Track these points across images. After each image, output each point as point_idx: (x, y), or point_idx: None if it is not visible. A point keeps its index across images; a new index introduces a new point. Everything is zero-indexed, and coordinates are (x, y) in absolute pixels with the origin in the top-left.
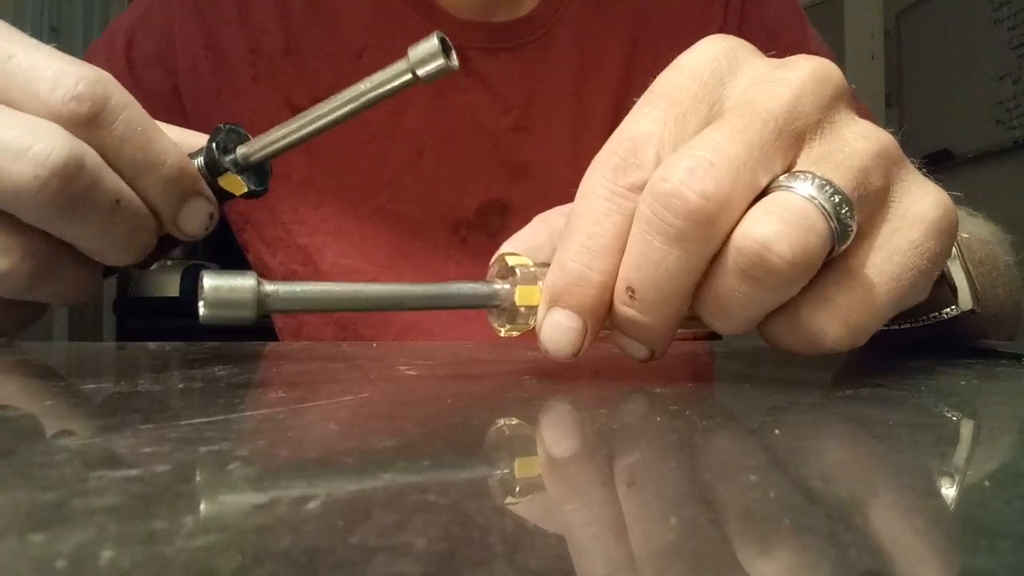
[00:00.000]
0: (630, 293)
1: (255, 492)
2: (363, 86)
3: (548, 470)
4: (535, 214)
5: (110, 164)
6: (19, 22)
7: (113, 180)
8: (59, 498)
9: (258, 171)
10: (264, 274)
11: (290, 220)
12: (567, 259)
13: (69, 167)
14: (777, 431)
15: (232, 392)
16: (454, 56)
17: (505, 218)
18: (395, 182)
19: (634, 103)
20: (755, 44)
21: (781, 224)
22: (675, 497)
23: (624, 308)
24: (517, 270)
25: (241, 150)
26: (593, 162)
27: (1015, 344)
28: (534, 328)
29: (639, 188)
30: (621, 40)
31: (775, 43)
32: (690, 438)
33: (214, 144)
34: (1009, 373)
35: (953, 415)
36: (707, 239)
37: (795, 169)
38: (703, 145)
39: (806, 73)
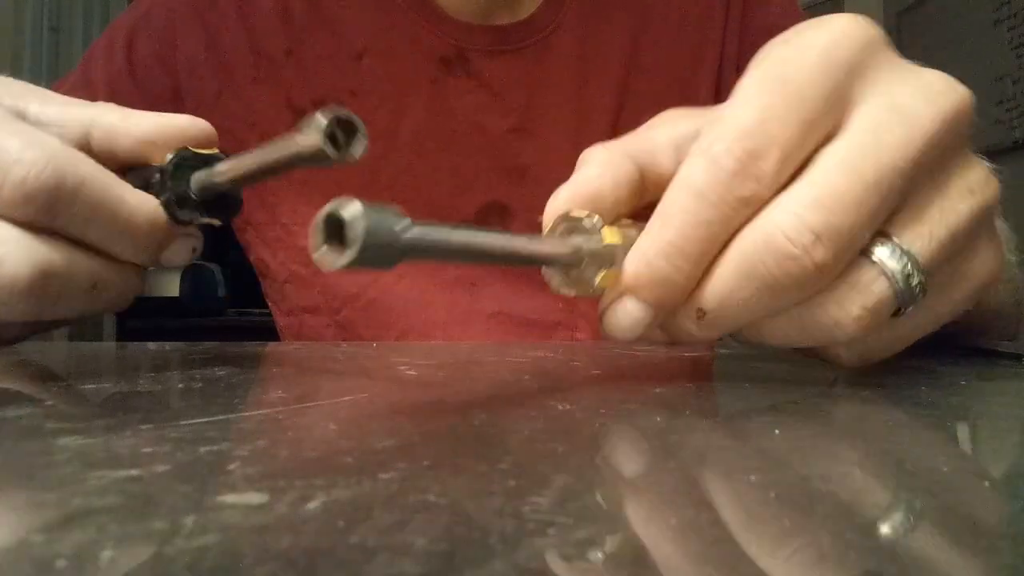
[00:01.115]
0: (700, 315)
1: (255, 492)
2: (263, 154)
3: (548, 470)
4: (535, 217)
5: (78, 240)
6: (19, 22)
7: (85, 268)
8: (59, 498)
9: (223, 200)
10: (265, 274)
11: (290, 221)
12: (655, 254)
13: (34, 283)
14: (777, 431)
15: (232, 392)
16: (359, 142)
17: (505, 221)
18: (395, 184)
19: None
20: (756, 46)
21: (860, 311)
22: (674, 497)
23: (687, 322)
24: (597, 234)
25: (199, 176)
26: (703, 149)
27: (1015, 344)
28: (592, 294)
29: (751, 204)
30: (621, 43)
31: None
32: (690, 438)
33: (169, 180)
34: (1009, 373)
35: (953, 415)
36: (801, 295)
37: (885, 232)
38: (831, 199)
39: (946, 109)
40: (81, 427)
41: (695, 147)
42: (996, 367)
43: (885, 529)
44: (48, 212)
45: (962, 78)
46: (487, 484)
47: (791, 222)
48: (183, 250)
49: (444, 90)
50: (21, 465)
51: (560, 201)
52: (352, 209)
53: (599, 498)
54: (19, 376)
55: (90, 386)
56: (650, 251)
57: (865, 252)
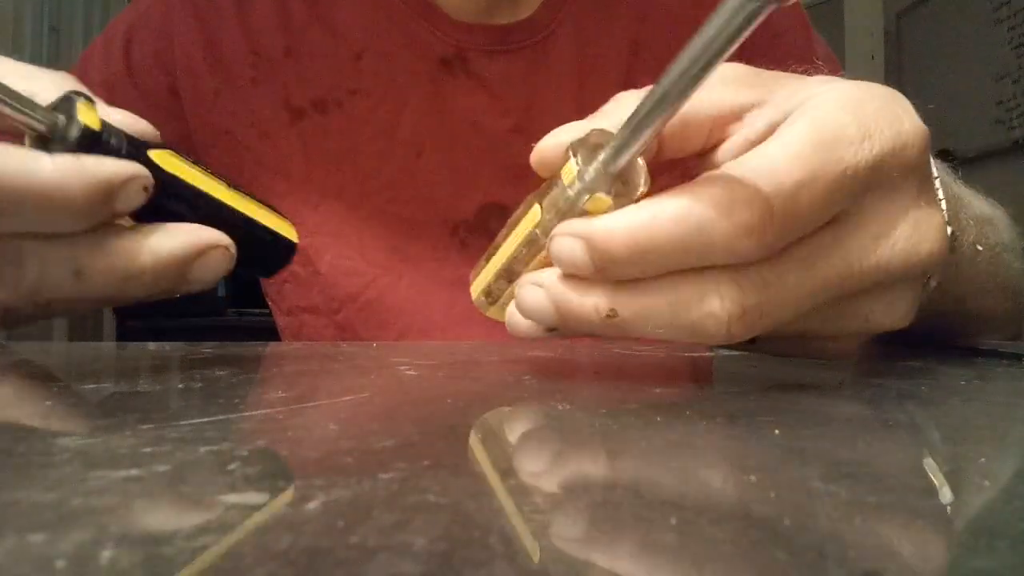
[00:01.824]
0: (612, 314)
1: (255, 492)
2: None
3: (548, 470)
4: None
5: (24, 231)
6: (19, 22)
7: (56, 254)
8: (59, 498)
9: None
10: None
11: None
12: (622, 233)
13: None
14: (777, 431)
15: (232, 392)
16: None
17: (504, 220)
18: (394, 184)
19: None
20: (758, 47)
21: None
22: (675, 497)
23: (592, 313)
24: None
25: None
26: (728, 187)
27: (1015, 344)
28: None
29: (732, 258)
30: (621, 43)
31: (778, 47)
32: (690, 438)
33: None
34: (1009, 373)
35: (953, 415)
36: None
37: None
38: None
39: (924, 254)
40: (81, 427)
41: (730, 170)
42: (996, 367)
43: (885, 529)
44: None
45: (962, 78)
46: (487, 484)
47: (728, 294)
48: (133, 193)
49: (443, 90)
50: (21, 465)
51: (573, 130)
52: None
53: (599, 498)
54: (19, 376)
55: (90, 386)
56: (620, 230)
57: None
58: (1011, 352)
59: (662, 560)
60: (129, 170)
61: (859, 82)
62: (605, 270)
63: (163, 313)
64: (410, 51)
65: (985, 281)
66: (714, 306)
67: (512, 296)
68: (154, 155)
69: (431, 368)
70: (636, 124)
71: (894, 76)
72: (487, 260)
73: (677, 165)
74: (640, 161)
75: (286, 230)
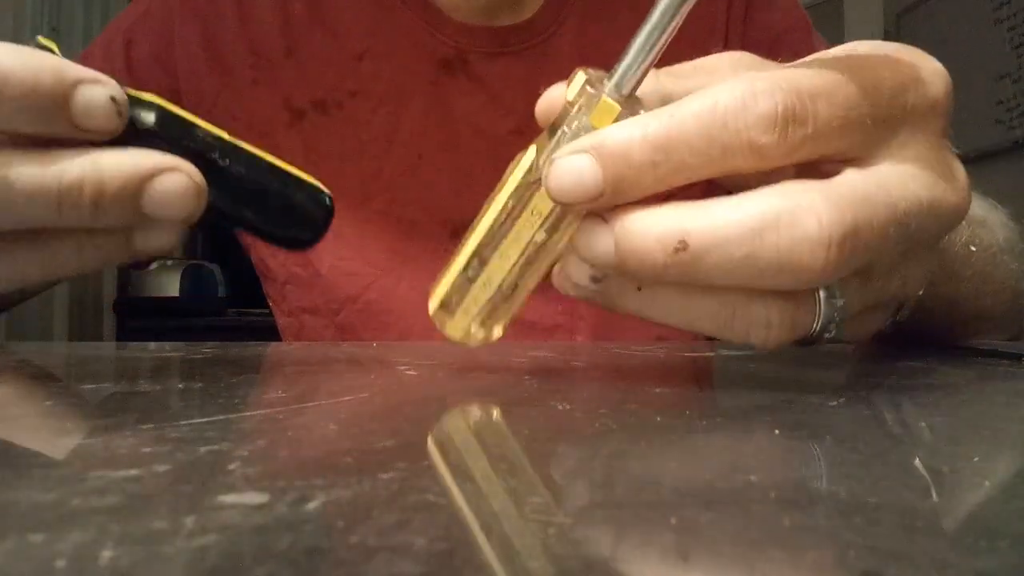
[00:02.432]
0: (682, 247)
1: (255, 492)
2: None
3: (548, 470)
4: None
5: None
6: (19, 22)
7: (73, 164)
8: (59, 498)
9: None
10: (265, 275)
11: None
12: (641, 137)
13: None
14: (777, 431)
15: (232, 392)
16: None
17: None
18: (394, 185)
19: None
20: (760, 49)
21: (778, 329)
22: (675, 497)
23: (670, 257)
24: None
25: None
26: (749, 78)
27: (1015, 344)
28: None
29: (751, 158)
30: (622, 45)
31: (780, 48)
32: (690, 438)
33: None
34: (1009, 373)
35: (953, 415)
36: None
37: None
38: (858, 213)
39: (948, 204)
40: (81, 427)
41: (743, 75)
42: (996, 367)
43: (884, 529)
44: None
45: (962, 78)
46: (487, 484)
47: (827, 213)
48: (97, 99)
49: (444, 92)
50: (21, 465)
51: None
52: None
53: (599, 498)
54: (19, 376)
55: (90, 386)
56: (637, 131)
57: None
58: (1011, 352)
59: (662, 560)
60: (88, 74)
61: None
62: (619, 185)
63: (163, 313)
64: (411, 52)
65: (980, 282)
66: (810, 226)
67: (485, 295)
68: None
69: (431, 368)
70: (641, 44)
71: None
72: (452, 261)
73: None
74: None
75: (319, 189)
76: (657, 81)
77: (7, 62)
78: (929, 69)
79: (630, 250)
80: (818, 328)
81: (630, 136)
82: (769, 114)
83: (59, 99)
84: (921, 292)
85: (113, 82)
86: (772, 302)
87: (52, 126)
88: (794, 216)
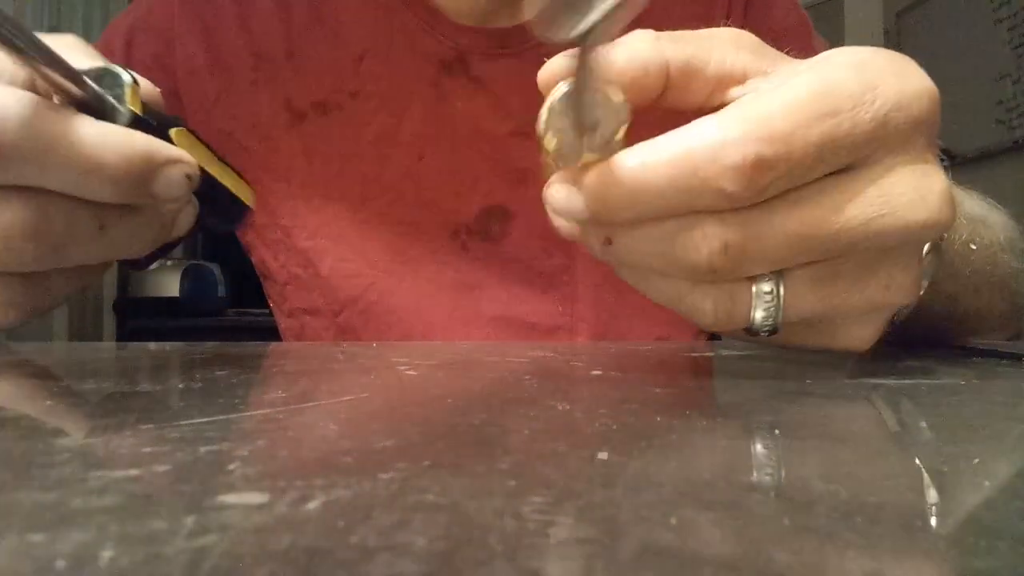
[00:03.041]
0: (608, 241)
1: (255, 492)
2: None
3: (548, 470)
4: (536, 220)
5: (56, 190)
6: None
7: (85, 210)
8: (59, 498)
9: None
10: (266, 276)
11: (290, 223)
12: (618, 170)
13: (36, 225)
14: (777, 431)
15: (232, 392)
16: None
17: (506, 224)
18: (395, 186)
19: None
20: None
21: (720, 315)
22: (675, 497)
23: (601, 249)
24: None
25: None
26: (725, 127)
27: (1015, 344)
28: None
29: (720, 202)
30: None
31: (779, 48)
32: (690, 438)
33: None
34: (1009, 373)
35: (953, 415)
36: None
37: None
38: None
39: (923, 218)
40: (81, 427)
41: (721, 115)
42: (996, 367)
43: (884, 529)
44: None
45: (962, 78)
46: (487, 484)
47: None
48: (176, 178)
49: (444, 93)
50: (21, 465)
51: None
52: None
53: (599, 498)
54: (19, 376)
55: (90, 386)
56: (612, 176)
57: (755, 278)
58: (1011, 352)
59: (662, 560)
60: (172, 153)
61: (868, 47)
62: (599, 217)
63: (163, 313)
64: (411, 54)
65: (980, 280)
66: (696, 239)
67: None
68: (173, 134)
69: (431, 368)
70: (581, 63)
71: None
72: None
73: (672, 119)
74: (618, 97)
75: (244, 194)
76: (657, 46)
77: (100, 146)
78: (913, 87)
79: (579, 237)
80: (756, 318)
81: (607, 182)
82: (738, 166)
83: (146, 181)
84: (916, 298)
85: (190, 158)
86: (708, 291)
87: (130, 198)
88: (686, 229)
